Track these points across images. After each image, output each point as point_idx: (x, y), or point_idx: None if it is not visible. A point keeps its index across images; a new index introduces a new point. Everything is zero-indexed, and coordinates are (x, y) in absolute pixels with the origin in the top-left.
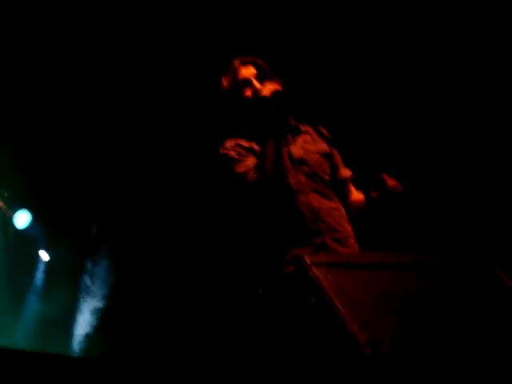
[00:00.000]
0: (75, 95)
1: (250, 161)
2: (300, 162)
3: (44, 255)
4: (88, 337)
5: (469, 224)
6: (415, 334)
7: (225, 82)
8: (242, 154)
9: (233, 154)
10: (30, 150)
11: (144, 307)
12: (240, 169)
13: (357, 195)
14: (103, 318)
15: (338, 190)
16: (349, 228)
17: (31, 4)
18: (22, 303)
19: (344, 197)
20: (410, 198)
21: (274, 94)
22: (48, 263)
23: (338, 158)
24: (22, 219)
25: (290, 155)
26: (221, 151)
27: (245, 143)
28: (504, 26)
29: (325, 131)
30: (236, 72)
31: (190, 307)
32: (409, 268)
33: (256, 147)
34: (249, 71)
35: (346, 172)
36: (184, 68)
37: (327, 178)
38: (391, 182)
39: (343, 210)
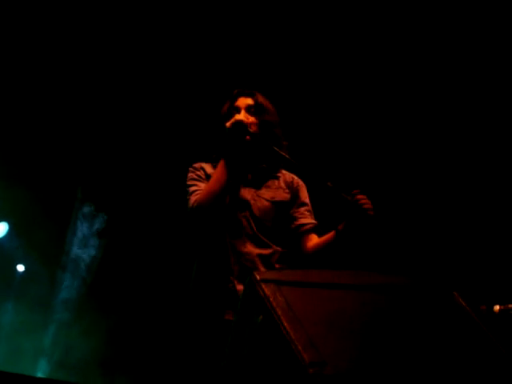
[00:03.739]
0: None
1: (204, 186)
2: (244, 205)
3: (19, 266)
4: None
5: (427, 247)
6: (364, 356)
7: (224, 107)
8: (201, 178)
9: (193, 175)
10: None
11: None
12: (191, 188)
13: (314, 242)
14: None
15: (295, 237)
16: None
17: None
18: None
19: (301, 245)
20: (377, 221)
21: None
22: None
23: (302, 209)
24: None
25: (237, 195)
26: (188, 169)
27: (209, 169)
28: (504, 26)
29: (300, 183)
30: (234, 99)
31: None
32: (362, 288)
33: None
34: (245, 101)
35: (306, 221)
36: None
37: (271, 224)
38: (363, 201)
39: (278, 258)
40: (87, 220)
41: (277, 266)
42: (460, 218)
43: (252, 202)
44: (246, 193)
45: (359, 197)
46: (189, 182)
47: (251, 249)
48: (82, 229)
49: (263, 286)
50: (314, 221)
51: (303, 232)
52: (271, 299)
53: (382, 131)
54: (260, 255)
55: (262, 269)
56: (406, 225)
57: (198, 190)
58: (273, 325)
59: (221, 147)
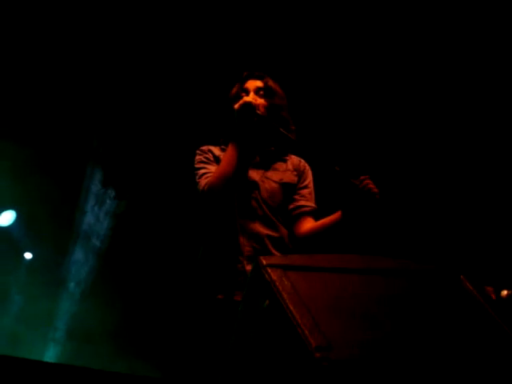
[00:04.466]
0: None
1: (213, 168)
2: (252, 186)
3: (27, 254)
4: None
5: (434, 231)
6: (371, 341)
7: (233, 89)
8: (209, 160)
9: (202, 157)
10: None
11: None
12: (200, 171)
13: (310, 225)
14: None
15: (291, 218)
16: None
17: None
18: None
19: (296, 226)
20: (384, 205)
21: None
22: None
23: (304, 191)
24: (7, 217)
25: (246, 176)
26: (196, 152)
27: (216, 151)
28: (504, 26)
29: (306, 167)
30: (243, 82)
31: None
32: (369, 272)
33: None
34: (254, 83)
35: (305, 203)
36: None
37: (278, 206)
38: (370, 186)
39: (287, 239)
40: (98, 199)
41: (286, 247)
42: (468, 201)
43: (260, 183)
44: (255, 174)
45: (367, 182)
46: (197, 165)
47: (261, 229)
48: (93, 209)
49: (269, 270)
50: (313, 204)
51: (300, 214)
52: (277, 284)
53: (389, 116)
54: (269, 236)
55: (272, 250)
56: (412, 208)
57: (208, 172)
58: (279, 309)
59: (229, 130)
